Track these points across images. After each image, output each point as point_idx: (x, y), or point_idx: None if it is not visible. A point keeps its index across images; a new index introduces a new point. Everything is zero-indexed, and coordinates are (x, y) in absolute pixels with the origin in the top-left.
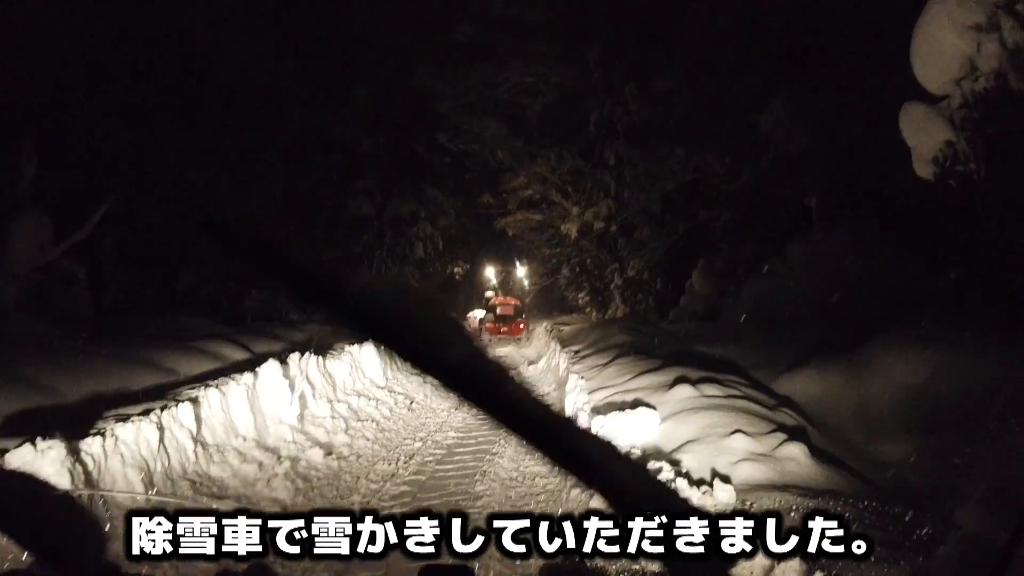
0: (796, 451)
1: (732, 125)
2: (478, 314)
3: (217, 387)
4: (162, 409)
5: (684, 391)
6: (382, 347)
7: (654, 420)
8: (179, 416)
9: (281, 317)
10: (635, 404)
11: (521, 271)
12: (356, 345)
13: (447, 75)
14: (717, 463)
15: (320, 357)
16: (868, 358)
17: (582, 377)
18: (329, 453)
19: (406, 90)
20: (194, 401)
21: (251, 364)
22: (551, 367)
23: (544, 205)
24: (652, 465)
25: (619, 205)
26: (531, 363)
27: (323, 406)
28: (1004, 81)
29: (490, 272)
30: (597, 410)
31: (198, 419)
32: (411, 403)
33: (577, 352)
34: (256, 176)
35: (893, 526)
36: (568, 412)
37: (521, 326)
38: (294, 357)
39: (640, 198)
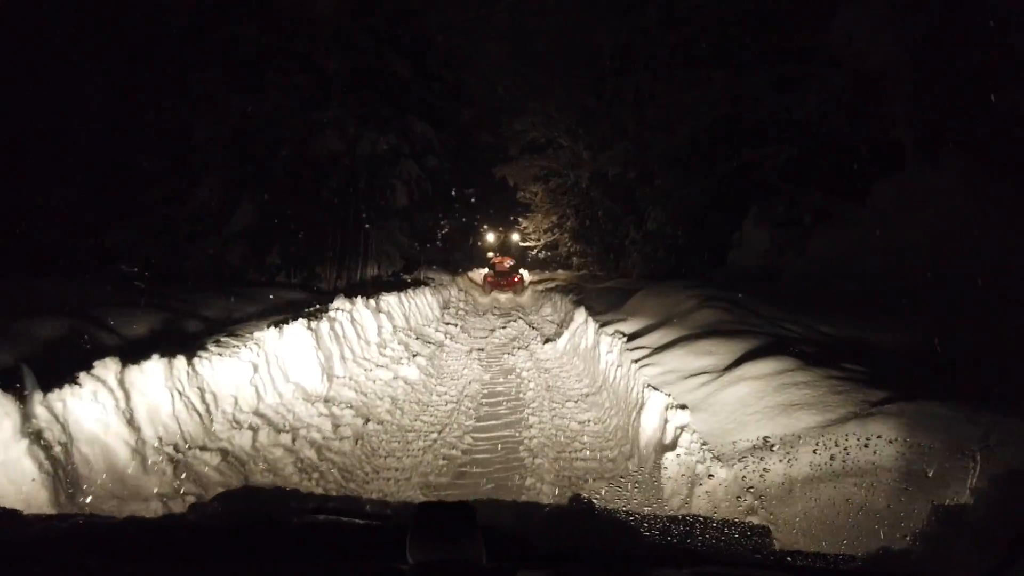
0: None
1: (789, 39)
2: (483, 271)
3: None
4: None
5: None
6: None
7: None
8: None
9: (236, 276)
10: None
11: (522, 228)
12: (274, 328)
13: None
14: None
15: (188, 360)
16: None
17: (681, 405)
18: None
19: None
20: None
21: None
22: (579, 350)
23: (550, 150)
24: None
25: (639, 148)
26: (547, 340)
27: (167, 463)
28: None
29: (488, 231)
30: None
31: None
32: (365, 423)
33: (631, 337)
34: (201, 103)
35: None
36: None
37: (516, 279)
38: (130, 371)
39: (664, 139)
